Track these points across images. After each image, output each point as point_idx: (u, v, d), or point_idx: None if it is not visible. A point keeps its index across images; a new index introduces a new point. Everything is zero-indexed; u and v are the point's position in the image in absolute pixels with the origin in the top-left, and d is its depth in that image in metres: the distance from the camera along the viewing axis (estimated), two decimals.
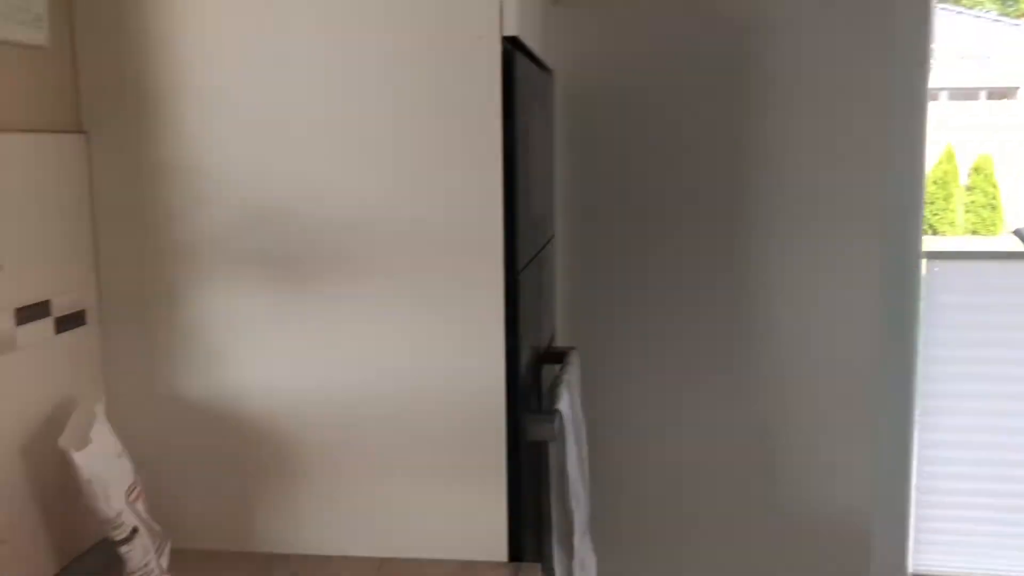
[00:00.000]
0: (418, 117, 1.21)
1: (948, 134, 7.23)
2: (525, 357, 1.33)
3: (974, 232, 7.33)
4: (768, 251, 1.86)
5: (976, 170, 7.41)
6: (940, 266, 1.95)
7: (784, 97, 1.81)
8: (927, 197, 1.93)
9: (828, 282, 1.85)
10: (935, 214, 7.15)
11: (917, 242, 1.86)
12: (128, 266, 1.28)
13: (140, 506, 1.20)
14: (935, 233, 7.13)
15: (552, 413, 1.38)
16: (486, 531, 1.28)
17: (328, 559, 1.29)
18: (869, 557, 1.93)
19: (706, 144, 1.84)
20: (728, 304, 1.88)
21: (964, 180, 7.39)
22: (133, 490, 1.19)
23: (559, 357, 1.72)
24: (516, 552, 1.29)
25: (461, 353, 1.25)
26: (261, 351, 1.27)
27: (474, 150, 1.21)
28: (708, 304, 1.89)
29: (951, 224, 7.27)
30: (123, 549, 1.14)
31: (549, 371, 1.68)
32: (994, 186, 7.39)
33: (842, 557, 1.93)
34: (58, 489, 1.19)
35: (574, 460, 1.44)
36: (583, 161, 1.88)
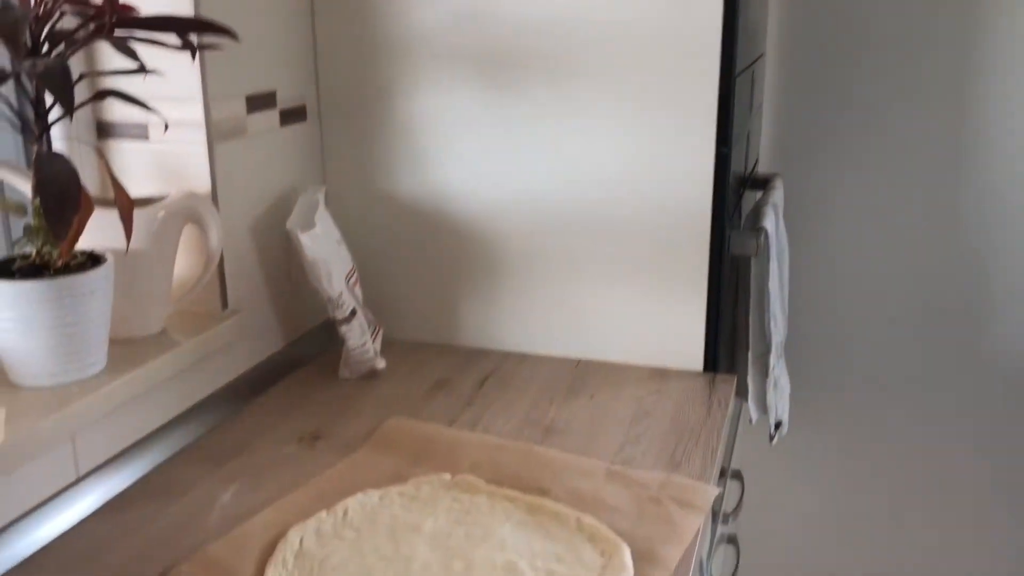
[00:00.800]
0: None
1: None
2: (733, 170, 1.29)
3: None
4: (990, 88, 1.68)
5: None
6: None
7: None
8: None
9: None
10: None
11: None
12: (345, 64, 1.31)
13: (358, 291, 1.28)
14: None
15: (757, 229, 1.35)
16: (683, 340, 1.28)
17: (527, 356, 1.34)
18: None
19: None
20: (946, 137, 1.74)
21: None
22: (352, 275, 1.26)
23: (763, 183, 1.66)
24: (711, 364, 1.29)
25: (670, 159, 1.22)
26: (470, 151, 1.29)
27: None
28: (923, 136, 1.75)
29: None
30: (343, 328, 1.23)
31: (750, 198, 1.63)
32: None
33: None
34: (284, 270, 1.28)
35: (775, 280, 1.40)
36: None
